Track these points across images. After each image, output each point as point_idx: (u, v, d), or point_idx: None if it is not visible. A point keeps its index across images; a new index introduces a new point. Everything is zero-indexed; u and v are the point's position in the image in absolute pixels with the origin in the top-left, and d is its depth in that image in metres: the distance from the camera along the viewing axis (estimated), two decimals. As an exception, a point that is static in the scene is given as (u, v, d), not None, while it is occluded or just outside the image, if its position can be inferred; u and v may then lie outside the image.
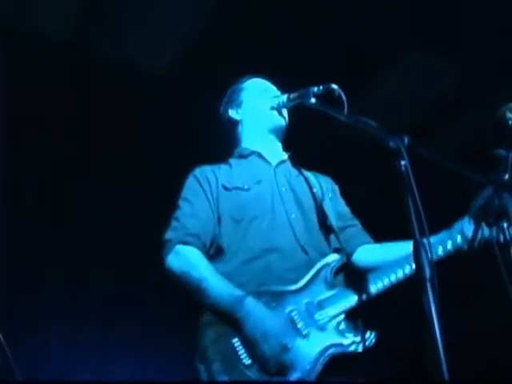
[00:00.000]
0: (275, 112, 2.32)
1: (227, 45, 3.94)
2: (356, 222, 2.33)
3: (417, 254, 1.46)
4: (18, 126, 4.24)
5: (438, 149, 1.65)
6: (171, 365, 4.59)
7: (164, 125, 4.40)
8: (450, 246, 1.98)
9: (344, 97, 2.02)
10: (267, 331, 1.83)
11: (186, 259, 2.04)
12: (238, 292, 1.92)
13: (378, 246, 2.25)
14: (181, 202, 2.20)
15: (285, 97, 2.30)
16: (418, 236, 1.46)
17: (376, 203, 4.54)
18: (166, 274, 2.06)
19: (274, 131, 2.36)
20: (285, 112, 2.36)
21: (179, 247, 2.06)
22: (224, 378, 1.80)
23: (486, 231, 1.86)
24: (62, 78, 4.13)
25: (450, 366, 1.37)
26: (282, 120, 2.34)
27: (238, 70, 2.52)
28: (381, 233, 2.28)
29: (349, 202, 2.40)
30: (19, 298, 4.40)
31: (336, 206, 2.31)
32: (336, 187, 2.41)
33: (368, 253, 2.22)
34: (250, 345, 1.83)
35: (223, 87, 2.54)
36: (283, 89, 2.43)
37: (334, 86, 2.08)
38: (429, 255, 1.47)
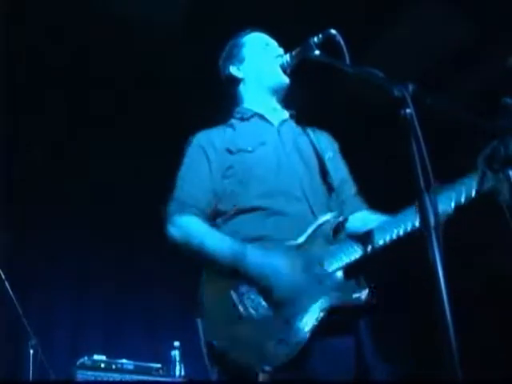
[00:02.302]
0: (280, 71, 2.29)
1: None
2: (350, 185, 2.31)
3: (421, 203, 1.44)
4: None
5: (450, 99, 1.61)
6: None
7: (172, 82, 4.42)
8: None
9: (342, 42, 1.99)
10: (276, 265, 1.86)
11: (185, 229, 2.06)
12: (237, 245, 1.95)
13: (373, 217, 2.17)
14: (181, 170, 2.21)
15: (288, 55, 2.27)
16: (422, 185, 1.45)
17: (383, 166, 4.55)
18: (170, 244, 2.09)
19: (278, 91, 2.34)
20: (289, 71, 2.31)
21: (177, 218, 2.08)
22: (220, 331, 1.83)
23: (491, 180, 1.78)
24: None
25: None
26: (286, 79, 2.31)
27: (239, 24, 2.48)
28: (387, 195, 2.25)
29: (356, 165, 2.37)
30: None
31: (335, 166, 2.28)
32: (336, 145, 2.39)
33: (361, 223, 2.17)
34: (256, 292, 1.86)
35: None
36: (289, 41, 2.37)
37: (333, 31, 2.05)
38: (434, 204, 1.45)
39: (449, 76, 4.65)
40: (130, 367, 4.04)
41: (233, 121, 2.34)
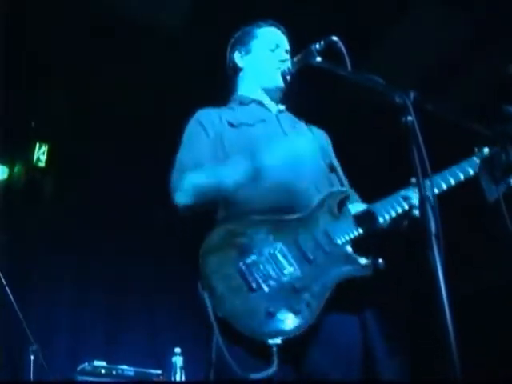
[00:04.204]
0: (279, 77, 2.31)
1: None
2: (344, 177, 2.32)
3: (423, 210, 1.45)
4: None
5: (450, 101, 1.62)
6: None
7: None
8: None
9: (344, 49, 2.00)
10: None
11: (192, 184, 2.06)
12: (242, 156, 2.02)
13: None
14: (181, 146, 2.22)
15: (289, 62, 2.29)
16: (423, 192, 1.45)
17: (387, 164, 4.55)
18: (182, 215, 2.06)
19: (273, 91, 2.36)
20: (289, 77, 2.32)
21: (180, 182, 2.07)
22: (228, 302, 1.78)
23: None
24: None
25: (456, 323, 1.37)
26: (282, 84, 2.33)
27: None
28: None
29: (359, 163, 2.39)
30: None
31: (332, 155, 2.33)
32: (330, 141, 2.42)
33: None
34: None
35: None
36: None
37: (335, 38, 2.06)
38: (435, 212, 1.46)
39: (448, 80, 4.66)
40: (131, 373, 4.04)
41: (230, 105, 2.38)
